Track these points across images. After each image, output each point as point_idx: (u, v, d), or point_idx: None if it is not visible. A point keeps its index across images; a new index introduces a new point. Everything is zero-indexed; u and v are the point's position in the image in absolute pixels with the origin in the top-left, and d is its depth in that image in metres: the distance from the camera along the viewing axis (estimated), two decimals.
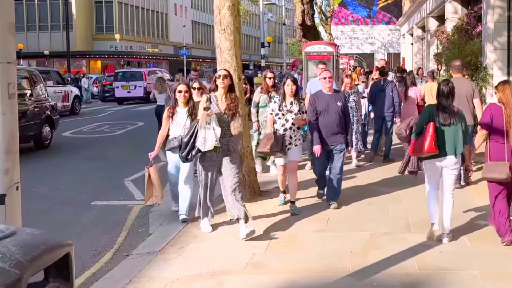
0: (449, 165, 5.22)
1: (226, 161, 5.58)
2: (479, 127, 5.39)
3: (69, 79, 25.36)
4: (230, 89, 5.65)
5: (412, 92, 9.72)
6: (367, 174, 8.54)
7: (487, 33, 11.98)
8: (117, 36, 49.73)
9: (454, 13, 16.06)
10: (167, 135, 6.33)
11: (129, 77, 28.04)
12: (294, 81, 6.43)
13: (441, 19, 19.25)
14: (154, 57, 54.54)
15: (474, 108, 7.57)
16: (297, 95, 6.43)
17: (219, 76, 5.71)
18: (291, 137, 6.36)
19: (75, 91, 22.31)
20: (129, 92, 27.46)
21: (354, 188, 7.57)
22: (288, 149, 6.35)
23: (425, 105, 10.39)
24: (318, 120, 6.49)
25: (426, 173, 5.46)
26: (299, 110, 6.35)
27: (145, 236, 6.02)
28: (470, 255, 4.95)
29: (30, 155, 11.58)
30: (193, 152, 5.53)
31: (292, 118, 6.29)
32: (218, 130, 5.39)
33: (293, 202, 6.46)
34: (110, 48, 49.22)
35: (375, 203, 6.78)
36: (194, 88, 6.91)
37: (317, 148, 6.49)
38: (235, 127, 6.50)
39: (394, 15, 38.33)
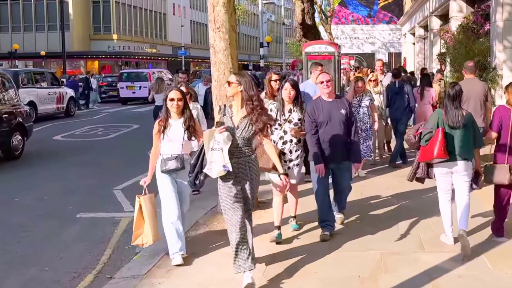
0: (460, 170, 5.07)
1: (245, 186, 4.40)
2: (489, 130, 5.39)
3: (63, 80, 24.86)
4: (249, 96, 4.33)
5: (427, 92, 9.50)
6: (373, 183, 7.99)
7: (496, 32, 11.46)
8: (115, 36, 49.18)
9: (459, 12, 15.56)
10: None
11: (134, 78, 28.62)
12: (294, 85, 5.49)
13: (444, 18, 18.77)
14: (152, 58, 54.00)
15: (485, 110, 7.42)
16: (298, 100, 5.52)
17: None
18: (291, 152, 5.52)
19: (70, 92, 21.77)
20: (134, 92, 27.87)
21: (360, 200, 7.01)
22: (289, 167, 5.48)
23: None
24: (318, 133, 5.36)
25: (437, 181, 5.26)
26: (299, 119, 5.50)
27: (132, 255, 5.50)
28: (493, 280, 4.40)
29: (15, 161, 11.03)
30: (201, 177, 4.53)
31: (290, 128, 5.46)
32: (226, 150, 4.22)
33: (293, 217, 5.85)
34: (108, 48, 48.68)
35: (384, 217, 6.23)
36: None
37: (320, 168, 5.31)
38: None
39: (395, 15, 37.81)
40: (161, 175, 5.03)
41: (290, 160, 5.50)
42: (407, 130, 7.11)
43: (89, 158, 11.32)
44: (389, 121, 9.85)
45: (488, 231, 5.52)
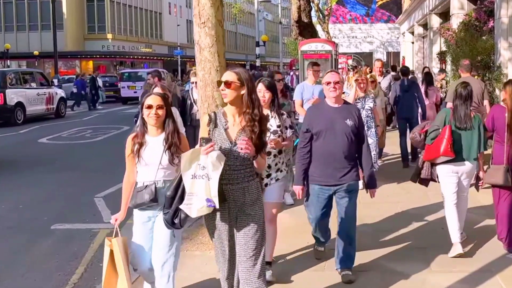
0: (465, 171, 4.97)
1: (241, 224, 3.33)
2: None
3: (54, 80, 24.38)
4: (252, 102, 3.33)
5: (431, 91, 9.39)
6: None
7: (500, 29, 10.92)
8: (109, 35, 48.61)
9: (460, 9, 15.06)
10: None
11: (135, 78, 28.67)
12: (269, 86, 4.43)
13: (444, 15, 18.31)
14: (148, 57, 53.44)
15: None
16: (274, 104, 4.44)
17: (219, 82, 3.36)
18: (269, 167, 4.34)
19: (61, 93, 21.22)
20: (135, 92, 27.77)
21: (358, 209, 6.44)
22: (266, 184, 4.30)
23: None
24: (308, 145, 4.36)
25: (441, 181, 5.05)
26: (279, 126, 4.39)
27: None
28: None
29: None
30: (182, 215, 3.30)
31: (269, 138, 4.29)
32: (216, 179, 3.13)
33: (268, 263, 4.28)
34: (102, 48, 48.12)
35: (385, 229, 5.68)
36: None
37: (297, 189, 4.40)
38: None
39: (393, 13, 37.31)
40: (135, 211, 3.76)
41: (269, 176, 4.33)
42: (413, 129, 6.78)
43: (73, 162, 10.75)
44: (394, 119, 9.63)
45: (500, 246, 5.01)
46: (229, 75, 3.32)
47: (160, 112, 3.62)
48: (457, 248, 4.79)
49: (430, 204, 6.39)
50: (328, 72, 4.57)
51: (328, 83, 4.35)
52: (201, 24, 5.94)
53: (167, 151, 3.59)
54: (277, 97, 4.55)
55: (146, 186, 3.63)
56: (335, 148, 4.28)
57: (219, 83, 3.36)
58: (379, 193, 7.21)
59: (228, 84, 3.28)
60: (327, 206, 4.44)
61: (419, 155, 5.43)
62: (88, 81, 26.17)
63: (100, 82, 27.79)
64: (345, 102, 4.55)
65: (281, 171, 4.42)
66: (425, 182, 5.20)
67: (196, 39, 6.01)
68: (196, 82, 6.58)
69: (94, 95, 25.55)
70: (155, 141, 3.65)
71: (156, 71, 8.74)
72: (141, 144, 3.64)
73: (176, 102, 7.49)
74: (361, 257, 4.82)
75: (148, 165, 3.63)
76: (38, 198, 7.87)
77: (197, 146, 3.20)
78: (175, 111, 5.96)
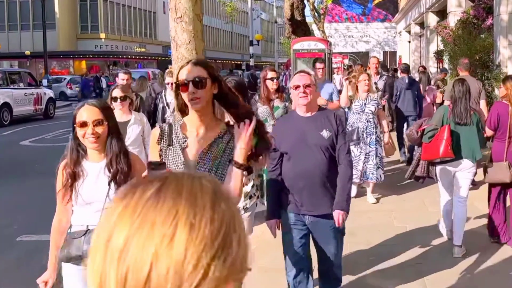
0: (464, 169, 4.90)
1: None
2: (486, 127, 5.27)
3: (43, 80, 24.02)
4: (228, 104, 2.44)
5: (429, 90, 9.47)
6: (366, 198, 6.97)
7: (500, 26, 10.51)
8: (103, 35, 48.10)
9: (458, 6, 14.67)
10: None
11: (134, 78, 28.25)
12: (237, 87, 3.67)
13: (441, 14, 17.96)
14: (142, 57, 52.96)
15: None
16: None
17: (182, 82, 2.34)
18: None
19: (49, 93, 20.76)
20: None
21: (350, 219, 5.99)
22: None
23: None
24: (278, 167, 3.48)
25: (440, 179, 5.05)
26: None
27: None
28: None
29: None
30: None
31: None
32: None
33: None
34: (95, 48, 47.62)
35: (377, 242, 5.23)
36: (116, 99, 4.68)
37: (271, 225, 3.53)
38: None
39: (390, 12, 37.01)
40: (66, 266, 2.74)
41: None
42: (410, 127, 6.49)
43: (52, 166, 10.12)
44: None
45: (502, 262, 4.57)
46: (197, 71, 2.30)
47: (100, 129, 2.63)
48: (443, 231, 5.05)
49: (427, 213, 5.95)
50: (297, 73, 3.67)
51: (297, 87, 3.41)
52: (177, 19, 5.44)
53: (111, 182, 2.62)
54: (247, 100, 3.83)
55: (86, 231, 2.62)
56: (309, 168, 3.36)
57: (181, 85, 2.32)
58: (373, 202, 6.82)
59: (201, 84, 2.27)
60: (306, 236, 3.55)
61: (415, 153, 5.35)
62: (92, 78, 25.93)
63: (104, 82, 27.40)
64: (320, 109, 3.63)
65: (250, 196, 3.61)
66: (421, 179, 5.21)
67: (172, 35, 5.51)
68: (171, 83, 6.09)
69: (98, 94, 25.20)
70: (98, 169, 2.67)
71: (126, 71, 7.66)
72: (74, 176, 2.65)
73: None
74: (349, 276, 4.37)
75: (91, 203, 2.63)
76: (10, 205, 7.42)
77: (145, 174, 2.24)
78: (141, 117, 5.32)
